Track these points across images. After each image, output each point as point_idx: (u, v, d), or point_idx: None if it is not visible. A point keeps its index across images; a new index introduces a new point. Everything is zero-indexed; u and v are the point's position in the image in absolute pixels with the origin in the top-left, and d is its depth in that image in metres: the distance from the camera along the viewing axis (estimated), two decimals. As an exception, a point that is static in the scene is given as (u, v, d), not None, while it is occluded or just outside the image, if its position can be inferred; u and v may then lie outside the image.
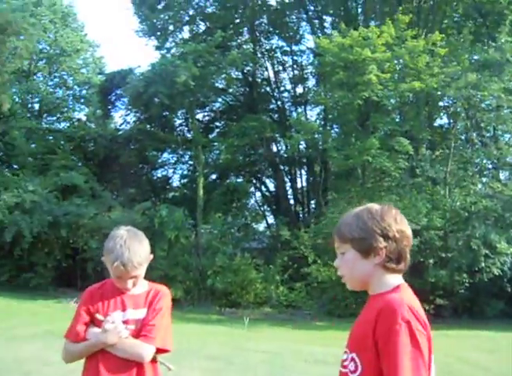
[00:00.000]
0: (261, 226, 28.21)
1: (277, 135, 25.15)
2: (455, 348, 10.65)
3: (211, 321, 15.75)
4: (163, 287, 2.53)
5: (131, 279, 2.34)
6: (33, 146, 28.29)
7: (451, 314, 18.76)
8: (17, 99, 30.59)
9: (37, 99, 33.04)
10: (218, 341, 10.94)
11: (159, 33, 26.35)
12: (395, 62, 19.74)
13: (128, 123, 28.90)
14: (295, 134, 21.55)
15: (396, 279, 1.67)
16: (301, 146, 24.14)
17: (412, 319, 1.48)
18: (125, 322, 2.34)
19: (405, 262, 1.68)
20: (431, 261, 19.34)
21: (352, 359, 1.56)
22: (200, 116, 27.66)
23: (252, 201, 28.48)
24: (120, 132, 28.15)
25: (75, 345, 2.33)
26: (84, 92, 34.23)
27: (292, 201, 26.47)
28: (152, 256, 2.47)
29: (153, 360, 2.37)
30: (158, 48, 26.78)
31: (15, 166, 27.09)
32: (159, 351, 2.35)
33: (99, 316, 2.33)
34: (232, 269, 19.51)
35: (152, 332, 2.31)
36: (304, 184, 26.47)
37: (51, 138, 28.65)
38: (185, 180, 28.69)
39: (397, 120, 22.03)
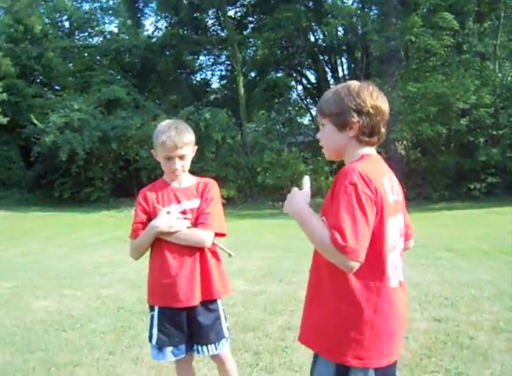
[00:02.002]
0: (306, 119, 28.03)
1: (314, 24, 24.13)
2: (507, 223, 10.69)
3: (266, 215, 16.31)
4: (210, 179, 2.69)
5: (180, 159, 2.51)
6: (70, 65, 28.42)
7: (503, 192, 18.61)
8: (46, 20, 30.30)
9: (65, 17, 32.61)
10: (274, 232, 11.43)
11: None
12: None
13: (160, 29, 28.41)
14: (332, 20, 20.61)
15: (366, 150, 1.79)
16: (339, 33, 23.18)
17: (360, 183, 1.61)
18: (183, 212, 2.53)
19: (379, 136, 1.79)
20: (482, 140, 18.95)
21: (323, 221, 1.71)
22: (231, 13, 26.68)
23: (294, 95, 28.02)
24: (154, 40, 27.69)
25: (136, 239, 2.56)
26: (110, 2, 33.47)
27: (335, 91, 25.89)
28: (196, 147, 2.64)
29: (213, 246, 2.59)
30: None
31: (57, 87, 27.46)
32: (217, 235, 2.56)
33: (158, 205, 2.52)
34: (280, 164, 19.79)
35: (208, 219, 2.51)
36: (346, 72, 25.67)
37: (86, 55, 28.59)
38: (225, 81, 28.38)
39: (440, -7, 20.55)
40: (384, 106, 1.77)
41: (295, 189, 1.79)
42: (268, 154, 20.22)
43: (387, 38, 18.67)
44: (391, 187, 1.74)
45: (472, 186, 18.37)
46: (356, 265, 1.59)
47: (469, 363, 3.38)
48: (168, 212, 2.49)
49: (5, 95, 20.04)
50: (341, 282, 1.68)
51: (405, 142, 19.47)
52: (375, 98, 1.75)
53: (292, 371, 3.38)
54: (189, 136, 2.54)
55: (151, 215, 2.54)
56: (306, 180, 1.74)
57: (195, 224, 2.51)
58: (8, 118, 20.20)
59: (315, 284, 1.82)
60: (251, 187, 21.10)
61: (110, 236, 11.65)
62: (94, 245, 10.19)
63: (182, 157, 2.51)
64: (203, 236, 2.48)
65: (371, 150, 1.80)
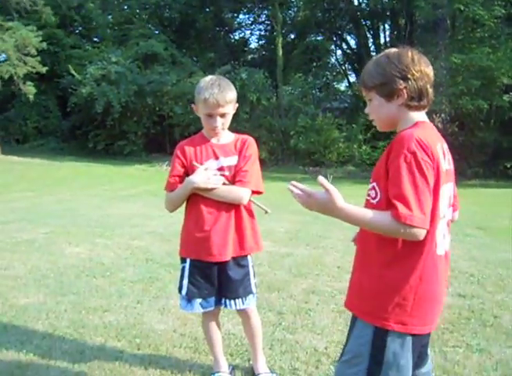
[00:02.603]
0: (343, 85, 27.58)
1: (358, -13, 23.50)
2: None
3: (296, 180, 16.18)
4: (248, 136, 2.69)
5: (221, 117, 2.51)
6: (109, 17, 28.33)
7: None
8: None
9: (107, -33, 32.31)
10: (304, 197, 11.42)
11: None
12: None
13: (201, -16, 27.97)
14: (378, -17, 20.00)
15: (418, 115, 1.77)
16: (384, -3, 22.50)
17: (419, 151, 1.59)
18: (220, 169, 2.55)
19: (428, 98, 1.76)
20: (524, 118, 18.34)
21: (373, 188, 1.72)
22: (274, -29, 26.11)
23: (333, 60, 27.56)
24: (194, -5, 27.35)
25: (172, 193, 2.60)
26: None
27: (375, 58, 25.31)
28: (237, 105, 2.62)
29: (249, 203, 2.62)
30: None
31: (95, 39, 27.49)
32: (253, 193, 2.59)
33: (196, 164, 2.54)
34: (314, 129, 19.61)
35: (246, 177, 2.54)
36: (388, 39, 24.99)
37: (126, 7, 28.41)
38: (263, 41, 28.00)
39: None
40: (428, 68, 1.75)
41: (318, 195, 1.69)
42: (302, 118, 20.04)
43: (434, 6, 18.01)
44: (443, 155, 1.72)
45: (508, 165, 17.93)
46: (423, 233, 1.59)
47: (491, 340, 3.37)
48: (206, 169, 2.51)
49: (44, 44, 20.16)
50: (388, 247, 1.68)
51: (443, 115, 19.01)
52: (417, 61, 1.73)
53: (314, 333, 3.44)
54: (232, 94, 2.52)
55: (188, 169, 2.57)
56: (322, 179, 1.67)
57: (232, 181, 2.54)
58: (47, 68, 20.40)
59: (362, 251, 1.83)
60: (283, 150, 21.03)
61: (142, 189, 11.86)
62: (125, 197, 10.39)
63: (223, 115, 2.51)
64: (241, 193, 2.51)
65: (424, 117, 1.78)
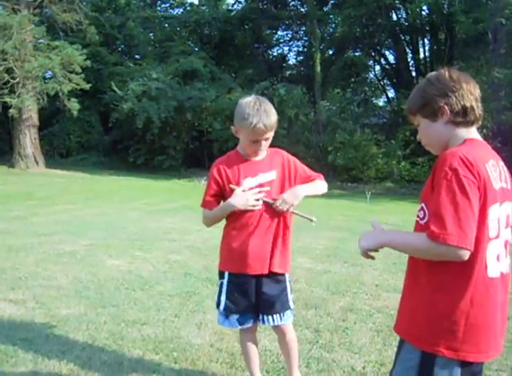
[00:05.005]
0: (381, 101, 27.35)
1: (397, 2, 23.31)
2: None
3: (334, 196, 16.16)
4: (276, 148, 2.71)
5: (265, 141, 2.53)
6: (150, 35, 29.01)
7: None
8: (131, -10, 30.96)
9: (149, -13, 33.16)
10: (342, 213, 11.34)
11: None
12: None
13: (240, 3, 28.36)
14: (417, -2, 19.84)
15: (467, 133, 1.74)
16: (423, 12, 22.25)
17: (461, 168, 1.55)
18: (260, 185, 2.56)
19: (474, 112, 1.72)
20: None
21: (422, 209, 1.68)
22: (312, -12, 26.27)
23: (371, 75, 27.36)
24: (233, 13, 27.75)
25: (211, 211, 2.62)
26: (194, -27, 33.69)
27: (414, 73, 25.01)
28: (277, 123, 2.63)
29: (290, 215, 2.63)
30: None
31: (136, 56, 28.18)
32: None
33: (233, 186, 2.55)
34: (352, 145, 19.49)
35: (314, 173, 2.75)
36: (427, 54, 24.70)
37: (167, 25, 29.06)
38: (302, 57, 28.13)
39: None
40: (469, 85, 1.74)
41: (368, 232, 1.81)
42: (340, 134, 19.97)
43: (475, 20, 17.73)
44: (498, 174, 1.67)
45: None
46: (465, 253, 1.53)
47: (537, 363, 3.27)
48: (243, 190, 2.52)
49: (88, 62, 20.71)
50: (438, 271, 1.64)
51: (484, 131, 18.61)
52: (456, 78, 1.73)
53: (351, 352, 3.40)
54: (275, 117, 2.52)
55: (224, 188, 2.58)
56: (375, 222, 1.79)
57: (275, 195, 2.55)
58: (90, 84, 20.95)
59: (412, 274, 1.78)
60: (321, 166, 20.91)
61: (180, 204, 11.99)
62: (164, 212, 10.52)
63: (267, 139, 2.53)
64: (324, 184, 2.72)
65: (475, 134, 1.76)
